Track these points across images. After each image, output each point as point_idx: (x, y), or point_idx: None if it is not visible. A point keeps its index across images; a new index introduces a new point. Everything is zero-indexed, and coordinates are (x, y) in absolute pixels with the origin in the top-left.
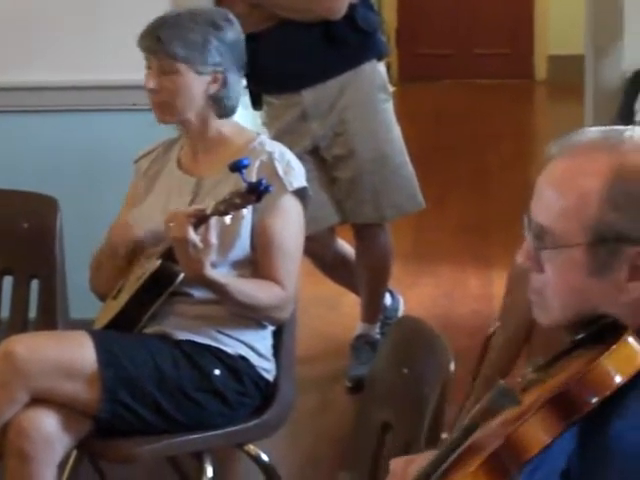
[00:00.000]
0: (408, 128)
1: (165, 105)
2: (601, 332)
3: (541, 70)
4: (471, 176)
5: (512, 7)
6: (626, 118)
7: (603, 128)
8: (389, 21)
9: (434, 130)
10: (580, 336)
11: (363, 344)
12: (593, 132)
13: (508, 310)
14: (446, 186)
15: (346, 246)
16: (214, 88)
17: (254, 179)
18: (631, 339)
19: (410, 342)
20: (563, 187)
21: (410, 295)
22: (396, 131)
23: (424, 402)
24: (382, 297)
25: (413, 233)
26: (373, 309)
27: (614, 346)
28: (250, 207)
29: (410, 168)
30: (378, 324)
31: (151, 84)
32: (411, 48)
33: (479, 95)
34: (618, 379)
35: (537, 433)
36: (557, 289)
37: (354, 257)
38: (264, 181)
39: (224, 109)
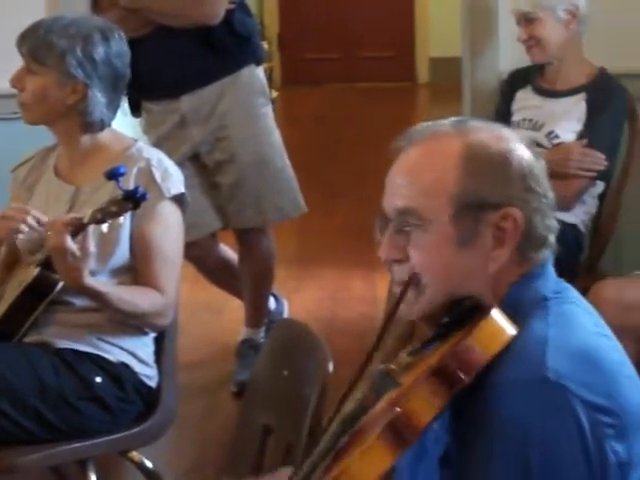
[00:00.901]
0: (292, 132)
1: (24, 106)
2: (468, 313)
3: (423, 73)
4: (355, 179)
5: (394, 11)
6: (503, 118)
7: (444, 120)
8: (271, 26)
9: (318, 134)
10: (447, 319)
11: (248, 349)
12: (436, 123)
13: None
14: (330, 190)
15: (229, 251)
16: (73, 100)
17: (131, 186)
18: (496, 315)
19: (290, 344)
20: (420, 170)
21: (295, 299)
22: (276, 135)
23: (304, 403)
24: (266, 301)
25: (297, 237)
26: (257, 314)
27: (482, 322)
28: (128, 214)
29: (291, 172)
30: (263, 328)
31: (13, 80)
32: (294, 53)
33: (363, 98)
34: (489, 353)
35: (427, 401)
36: (427, 269)
37: (237, 262)
38: (140, 189)
39: (86, 124)
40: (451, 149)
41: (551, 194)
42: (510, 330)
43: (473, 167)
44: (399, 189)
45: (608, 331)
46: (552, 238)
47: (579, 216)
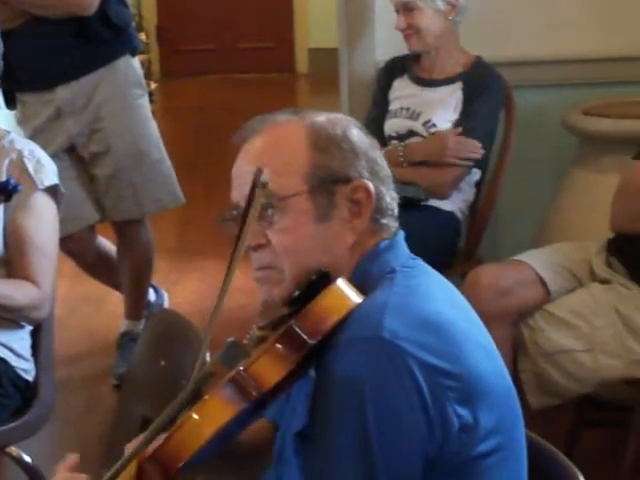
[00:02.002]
0: (171, 124)
1: None
2: (318, 286)
3: (302, 63)
4: None
5: (273, 2)
6: (380, 108)
7: (279, 111)
8: (149, 18)
9: (198, 126)
10: (297, 293)
11: (128, 341)
12: (274, 114)
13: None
14: (210, 181)
15: (108, 244)
16: None
17: (3, 178)
18: (341, 283)
19: (166, 335)
20: (269, 154)
21: (176, 290)
22: (152, 127)
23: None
24: (145, 293)
25: (178, 228)
26: (137, 306)
27: (326, 290)
28: (1, 207)
29: (168, 163)
30: (143, 320)
31: None
32: (172, 44)
33: (243, 89)
34: (333, 317)
35: (272, 364)
36: (288, 247)
37: (116, 254)
38: (12, 180)
39: None
40: (296, 131)
41: (387, 168)
42: (355, 298)
43: (320, 144)
44: (249, 176)
45: (462, 304)
46: (397, 209)
47: (456, 204)
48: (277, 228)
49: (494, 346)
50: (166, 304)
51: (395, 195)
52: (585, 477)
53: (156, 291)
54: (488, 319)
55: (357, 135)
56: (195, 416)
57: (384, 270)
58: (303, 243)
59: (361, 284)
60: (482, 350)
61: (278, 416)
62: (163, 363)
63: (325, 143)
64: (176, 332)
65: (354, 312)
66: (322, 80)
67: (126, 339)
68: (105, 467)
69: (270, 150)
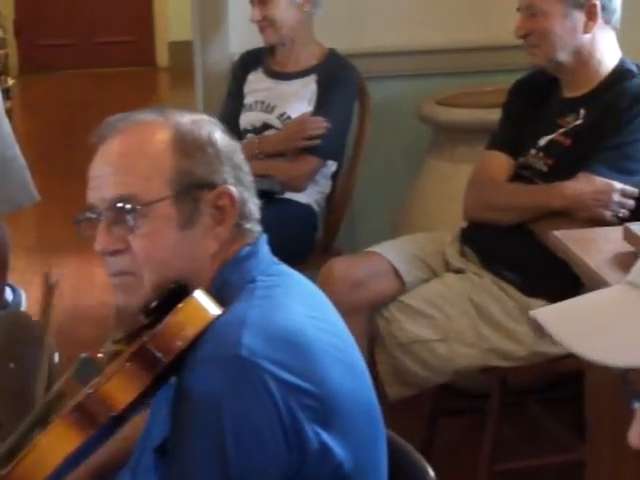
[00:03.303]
0: (30, 120)
1: None
2: (176, 297)
3: (163, 57)
4: None
5: None
6: (235, 101)
7: (143, 110)
8: (6, 13)
9: (57, 122)
10: (154, 304)
11: None
12: (136, 112)
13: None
14: (69, 177)
15: None
16: None
17: None
18: (199, 295)
19: (14, 336)
20: (132, 156)
21: (34, 289)
22: (4, 124)
23: (33, 396)
24: (2, 293)
25: (36, 227)
26: None
27: (183, 304)
28: None
29: (22, 161)
30: None
31: None
32: (31, 39)
33: (102, 84)
34: (188, 333)
35: (124, 384)
36: (149, 254)
37: None
38: None
39: None
40: (161, 133)
41: (250, 172)
42: (214, 310)
43: (185, 149)
44: (110, 178)
45: (325, 315)
46: (259, 214)
47: (312, 196)
48: (138, 233)
49: (358, 358)
50: (24, 303)
51: (257, 201)
52: (444, 466)
53: (13, 290)
54: (343, 312)
55: (221, 139)
56: (42, 443)
57: (245, 279)
58: (165, 250)
59: (221, 294)
60: (343, 366)
61: None
62: (12, 365)
63: (190, 147)
64: (24, 334)
65: (212, 326)
66: (182, 74)
67: None
68: None
69: (132, 152)
